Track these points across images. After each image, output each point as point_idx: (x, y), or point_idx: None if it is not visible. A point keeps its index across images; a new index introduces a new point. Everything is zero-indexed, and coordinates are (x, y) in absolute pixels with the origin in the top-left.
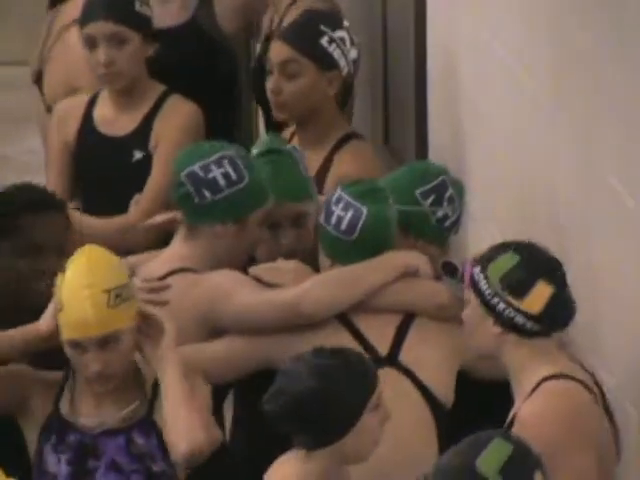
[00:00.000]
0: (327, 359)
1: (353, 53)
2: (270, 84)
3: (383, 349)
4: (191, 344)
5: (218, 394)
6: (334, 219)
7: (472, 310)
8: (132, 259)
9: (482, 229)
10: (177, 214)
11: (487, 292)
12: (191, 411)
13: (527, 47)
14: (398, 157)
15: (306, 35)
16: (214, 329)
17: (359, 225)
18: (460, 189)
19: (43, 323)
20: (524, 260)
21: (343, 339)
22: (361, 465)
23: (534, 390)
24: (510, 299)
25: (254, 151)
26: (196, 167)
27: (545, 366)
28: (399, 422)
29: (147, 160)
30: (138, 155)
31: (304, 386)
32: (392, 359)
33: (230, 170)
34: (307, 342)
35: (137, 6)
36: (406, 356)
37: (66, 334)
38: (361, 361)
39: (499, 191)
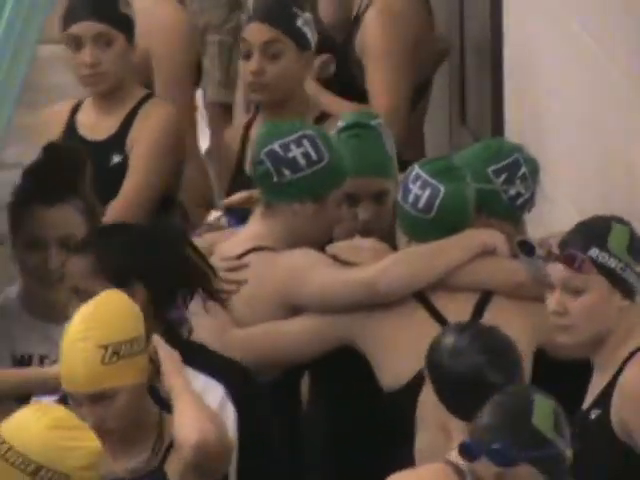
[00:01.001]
0: (487, 328)
1: (315, 35)
2: (252, 66)
3: None
4: (268, 322)
5: (294, 373)
6: (411, 197)
7: (593, 293)
8: (209, 237)
9: (558, 209)
10: (255, 192)
11: (618, 267)
12: (201, 409)
13: (605, 30)
14: (475, 138)
15: (285, 15)
16: (292, 307)
17: (437, 203)
18: (534, 167)
19: (52, 371)
20: (631, 228)
21: (421, 317)
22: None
23: (627, 360)
24: (638, 268)
25: (339, 124)
26: (276, 145)
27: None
28: None
29: (125, 163)
30: (116, 159)
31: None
32: None
33: (310, 149)
34: (385, 320)
35: (121, 7)
36: None
37: (62, 384)
38: None
39: (576, 172)
